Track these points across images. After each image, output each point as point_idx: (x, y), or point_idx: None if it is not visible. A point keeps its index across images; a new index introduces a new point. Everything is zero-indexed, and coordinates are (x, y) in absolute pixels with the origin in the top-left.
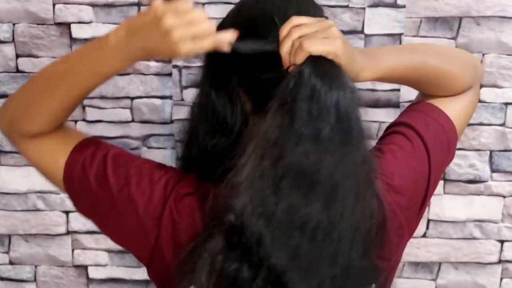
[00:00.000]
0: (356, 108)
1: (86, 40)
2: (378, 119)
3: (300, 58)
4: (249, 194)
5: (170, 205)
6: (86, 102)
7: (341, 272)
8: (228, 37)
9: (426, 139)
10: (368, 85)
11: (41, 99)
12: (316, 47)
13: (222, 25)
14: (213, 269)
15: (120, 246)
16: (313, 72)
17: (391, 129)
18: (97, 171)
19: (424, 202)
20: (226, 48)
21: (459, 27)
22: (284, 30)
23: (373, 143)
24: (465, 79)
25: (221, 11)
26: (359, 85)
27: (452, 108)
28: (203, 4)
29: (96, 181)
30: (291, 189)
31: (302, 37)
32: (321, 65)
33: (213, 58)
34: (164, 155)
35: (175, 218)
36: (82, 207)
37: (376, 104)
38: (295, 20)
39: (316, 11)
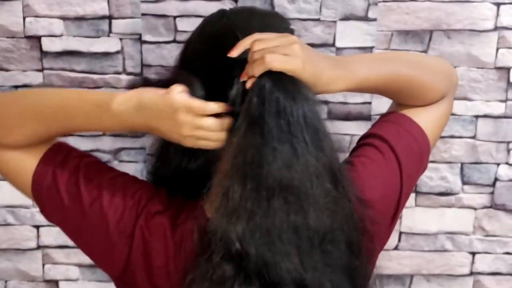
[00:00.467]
0: (321, 119)
1: (57, 53)
2: (349, 132)
3: (259, 71)
4: (245, 220)
5: (141, 223)
6: None
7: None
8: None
9: (397, 151)
10: (339, 98)
11: (27, 123)
12: (276, 64)
13: (189, 42)
14: None
15: (91, 259)
16: (274, 86)
17: (363, 141)
18: (68, 182)
19: (395, 214)
20: None
21: (429, 40)
22: (244, 43)
23: (345, 156)
24: (438, 89)
25: (193, 24)
26: (330, 97)
27: (425, 119)
28: (175, 17)
29: (67, 193)
30: (283, 205)
31: (264, 50)
32: (280, 78)
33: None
34: (135, 168)
35: (146, 237)
36: (52, 216)
37: (347, 117)
38: (257, 35)
39: (281, 24)
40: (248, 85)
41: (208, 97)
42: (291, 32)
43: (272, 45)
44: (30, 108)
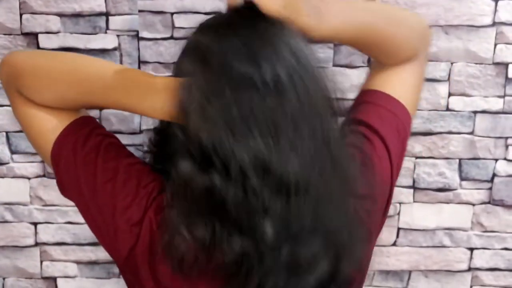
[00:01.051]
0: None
1: (54, 50)
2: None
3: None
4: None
5: (150, 215)
6: None
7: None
8: None
9: (383, 134)
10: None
11: (59, 88)
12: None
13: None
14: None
15: (98, 241)
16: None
17: (351, 127)
18: (86, 158)
19: (388, 201)
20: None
21: None
22: None
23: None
24: (412, 44)
25: (190, 20)
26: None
27: (401, 89)
28: (172, 14)
29: (83, 168)
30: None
31: None
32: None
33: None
34: None
35: (153, 230)
36: (64, 184)
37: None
38: None
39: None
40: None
41: None
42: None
43: None
44: (64, 70)
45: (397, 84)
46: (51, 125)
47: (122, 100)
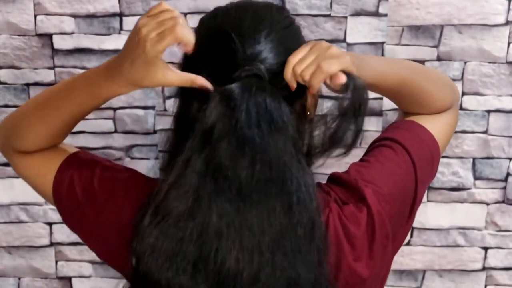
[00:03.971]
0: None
1: (68, 51)
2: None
3: (321, 80)
4: None
5: None
6: None
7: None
8: (189, 36)
9: (412, 153)
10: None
11: (31, 121)
12: (334, 68)
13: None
14: None
15: (105, 261)
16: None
17: (377, 143)
18: (84, 185)
19: (410, 215)
20: (189, 48)
21: (440, 35)
22: (288, 74)
23: (357, 152)
24: (444, 98)
25: None
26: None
27: (434, 126)
28: (185, 14)
29: (83, 192)
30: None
31: (318, 59)
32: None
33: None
34: (147, 165)
35: None
36: (70, 220)
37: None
38: (291, 58)
39: (277, 15)
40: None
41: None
42: (291, 21)
43: (310, 59)
44: (32, 105)
45: (431, 121)
46: (46, 169)
47: (92, 91)
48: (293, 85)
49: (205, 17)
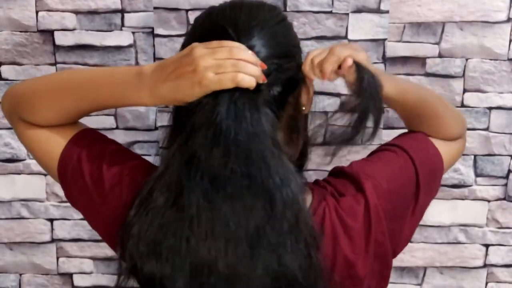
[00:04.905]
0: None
1: (69, 47)
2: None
3: (330, 62)
4: None
5: None
6: None
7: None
8: (251, 81)
9: (415, 161)
10: None
11: (50, 99)
12: (346, 52)
13: (183, 44)
14: None
15: (108, 244)
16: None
17: (383, 147)
18: (92, 166)
19: (411, 219)
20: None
21: (442, 32)
22: (306, 66)
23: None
24: (457, 127)
25: None
26: (342, 90)
27: (441, 145)
28: (187, 10)
29: (90, 175)
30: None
31: (334, 49)
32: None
33: None
34: None
35: None
36: (73, 199)
37: None
38: (313, 51)
39: (269, 13)
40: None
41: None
42: (283, 17)
43: (328, 51)
44: (59, 83)
45: (440, 141)
46: (54, 143)
47: (114, 93)
48: (311, 77)
49: (200, 15)
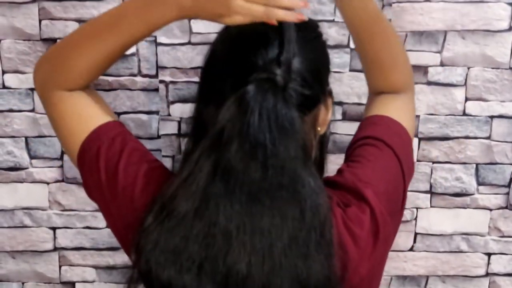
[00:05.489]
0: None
1: None
2: None
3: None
4: None
5: None
6: None
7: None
8: (283, 15)
9: (396, 150)
10: (354, 99)
11: (85, 46)
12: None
13: (217, 39)
14: None
15: (116, 238)
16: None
17: (360, 142)
18: (109, 162)
19: (400, 211)
20: (274, 21)
21: (444, 40)
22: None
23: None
24: (407, 66)
25: (208, 26)
26: (344, 99)
27: (399, 113)
28: (189, 19)
29: (106, 171)
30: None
31: None
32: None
33: (202, 74)
34: None
35: None
36: (89, 189)
37: (362, 118)
38: None
39: (310, 26)
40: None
41: (221, 94)
42: (319, 34)
43: None
44: (82, 34)
45: (394, 109)
46: (80, 127)
47: (146, 16)
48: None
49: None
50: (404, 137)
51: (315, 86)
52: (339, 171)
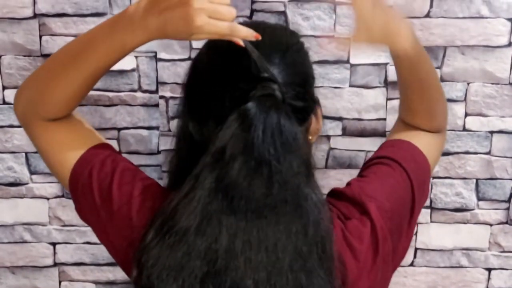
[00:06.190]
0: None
1: None
2: (364, 148)
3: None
4: None
5: None
6: None
7: None
8: (246, 32)
9: (409, 173)
10: (354, 114)
11: (58, 77)
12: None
13: (197, 58)
14: None
15: (113, 258)
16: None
17: (373, 161)
18: (102, 183)
19: (407, 233)
20: (240, 42)
21: (444, 56)
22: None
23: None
24: (446, 115)
25: None
26: (344, 114)
27: (424, 144)
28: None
29: (100, 192)
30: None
31: None
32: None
33: (191, 89)
34: None
35: None
36: (82, 210)
37: (362, 133)
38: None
39: (289, 40)
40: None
41: (220, 110)
42: (302, 46)
43: None
44: (53, 64)
45: (421, 139)
46: (68, 153)
47: (113, 44)
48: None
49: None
50: (422, 164)
51: (307, 97)
52: (348, 183)
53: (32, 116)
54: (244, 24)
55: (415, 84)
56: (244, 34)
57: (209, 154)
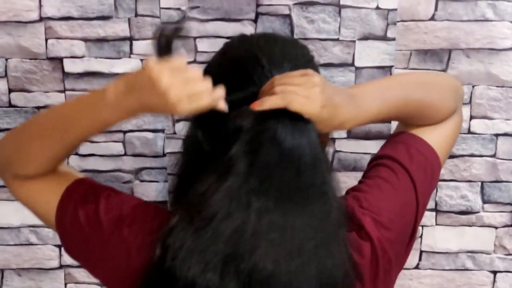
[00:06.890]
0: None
1: (78, 74)
2: (369, 151)
3: (275, 105)
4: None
5: None
6: None
7: None
8: (221, 93)
9: (411, 171)
10: None
11: (34, 146)
12: (295, 105)
13: (210, 65)
14: None
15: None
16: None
17: (374, 162)
18: (89, 213)
19: (413, 234)
20: (222, 106)
21: (448, 59)
22: (266, 87)
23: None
24: (448, 106)
25: (213, 45)
26: None
27: (434, 136)
28: (195, 38)
29: (88, 222)
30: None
31: (286, 87)
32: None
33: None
34: (156, 188)
35: None
36: (73, 248)
37: (367, 136)
38: (278, 78)
39: (302, 51)
40: (256, 108)
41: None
42: (312, 58)
43: (293, 82)
44: (33, 129)
45: (431, 131)
46: (49, 198)
47: (88, 122)
48: (258, 107)
49: (232, 41)
50: (429, 158)
51: None
52: (347, 192)
53: (9, 175)
54: (255, 35)
55: (414, 120)
56: (222, 96)
57: (241, 144)
